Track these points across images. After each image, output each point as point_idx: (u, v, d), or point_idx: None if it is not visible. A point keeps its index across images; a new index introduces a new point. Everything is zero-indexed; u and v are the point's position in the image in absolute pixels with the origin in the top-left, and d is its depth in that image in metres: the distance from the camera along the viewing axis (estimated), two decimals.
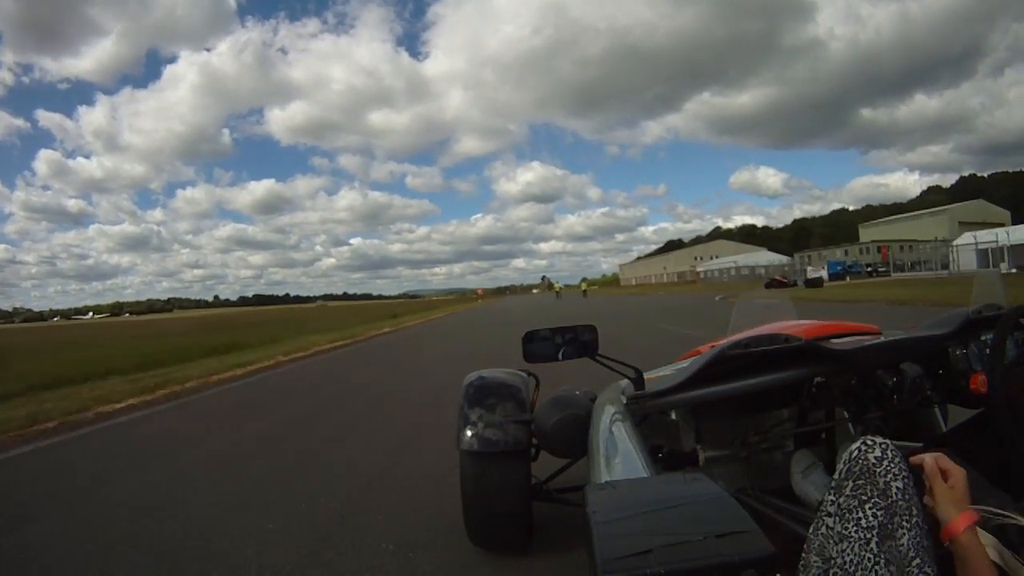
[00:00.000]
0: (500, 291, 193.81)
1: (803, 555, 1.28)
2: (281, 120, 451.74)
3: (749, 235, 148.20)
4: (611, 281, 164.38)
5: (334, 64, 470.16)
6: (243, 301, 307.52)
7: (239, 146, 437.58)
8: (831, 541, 1.23)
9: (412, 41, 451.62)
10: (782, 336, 1.84)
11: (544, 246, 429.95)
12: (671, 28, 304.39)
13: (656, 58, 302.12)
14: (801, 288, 42.11)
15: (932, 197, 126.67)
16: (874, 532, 1.18)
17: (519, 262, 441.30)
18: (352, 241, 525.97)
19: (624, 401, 2.02)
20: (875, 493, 1.21)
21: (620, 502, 1.16)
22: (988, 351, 1.77)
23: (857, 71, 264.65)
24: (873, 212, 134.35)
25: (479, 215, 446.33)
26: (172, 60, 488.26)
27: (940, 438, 2.06)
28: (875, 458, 1.25)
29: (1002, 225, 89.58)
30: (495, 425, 2.64)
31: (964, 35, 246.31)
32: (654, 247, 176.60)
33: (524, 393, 2.81)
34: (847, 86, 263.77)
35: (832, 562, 1.21)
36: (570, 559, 2.74)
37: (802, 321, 2.77)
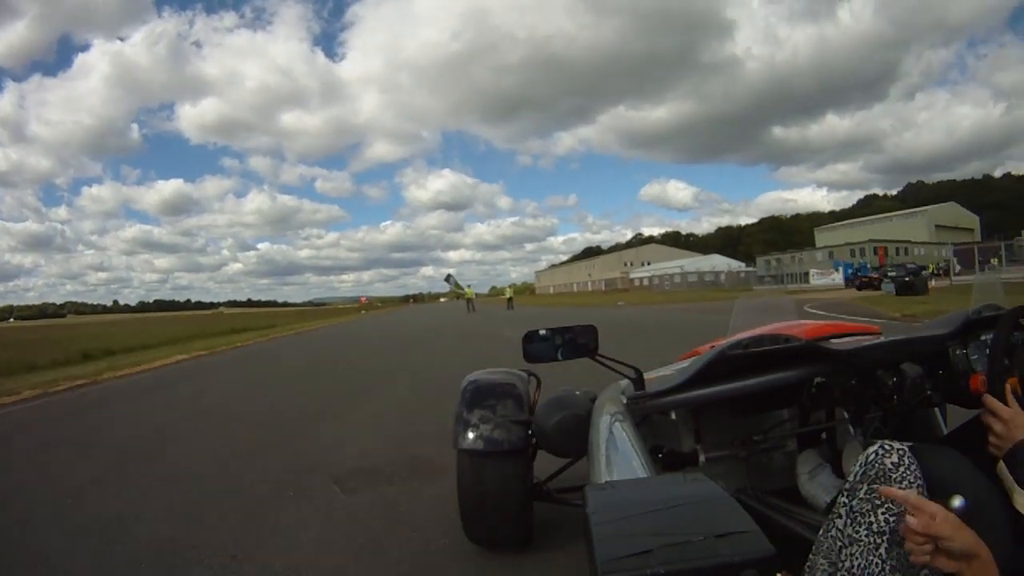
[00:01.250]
0: (404, 299, 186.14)
1: (810, 556, 1.28)
2: (192, 117, 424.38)
3: (673, 242, 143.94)
4: (524, 290, 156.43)
5: (249, 61, 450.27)
6: (143, 307, 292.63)
7: (148, 142, 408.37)
8: (839, 543, 1.22)
9: (329, 41, 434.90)
10: (782, 336, 1.85)
11: (453, 254, 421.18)
12: (591, 40, 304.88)
13: (573, 70, 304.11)
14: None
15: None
16: (884, 538, 1.17)
17: (428, 270, 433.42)
18: (260, 246, 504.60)
19: (624, 401, 2.02)
20: (889, 499, 1.20)
21: (620, 502, 1.16)
22: (988, 351, 1.74)
23: (772, 90, 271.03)
24: (799, 222, 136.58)
25: (389, 222, 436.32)
26: (85, 48, 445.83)
27: (940, 439, 2.06)
28: (892, 463, 1.24)
29: (971, 230, 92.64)
30: (492, 425, 2.63)
31: (879, 60, 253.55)
32: (564, 257, 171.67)
33: (523, 393, 2.79)
34: (761, 104, 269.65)
35: (838, 566, 1.20)
36: (570, 559, 2.73)
37: (802, 321, 2.77)
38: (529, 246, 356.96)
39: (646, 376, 2.20)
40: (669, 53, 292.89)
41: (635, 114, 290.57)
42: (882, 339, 2.01)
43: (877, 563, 1.16)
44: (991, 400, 1.48)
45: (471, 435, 2.63)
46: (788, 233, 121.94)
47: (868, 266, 58.21)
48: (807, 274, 62.44)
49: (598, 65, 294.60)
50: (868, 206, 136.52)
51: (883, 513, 1.19)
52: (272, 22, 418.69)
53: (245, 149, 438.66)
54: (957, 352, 1.81)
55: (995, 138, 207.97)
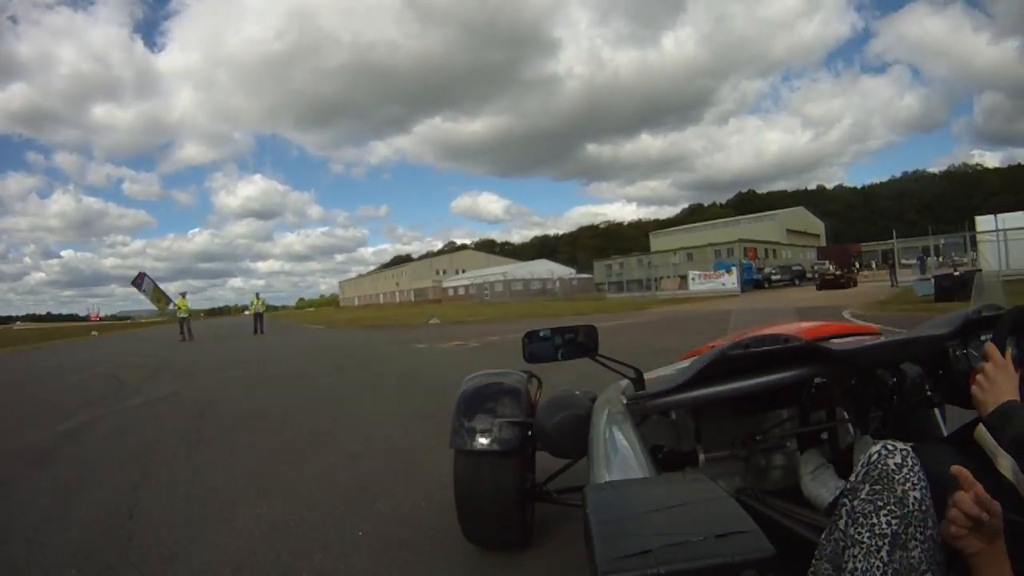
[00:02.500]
0: (214, 312, 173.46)
1: (814, 561, 1.26)
2: None
3: (488, 249, 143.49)
4: (329, 302, 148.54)
5: (65, 44, 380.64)
6: None
7: None
8: (842, 544, 1.21)
9: (151, 29, 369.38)
10: (782, 336, 1.85)
11: (262, 265, 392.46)
12: (415, 50, 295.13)
13: (394, 78, 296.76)
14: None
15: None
16: (886, 541, 1.15)
17: (236, 281, 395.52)
18: (63, 253, 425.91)
19: (624, 401, 2.02)
20: (891, 500, 1.18)
21: (620, 502, 1.16)
22: None
23: (589, 109, 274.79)
24: (625, 229, 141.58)
25: (197, 229, 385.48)
26: None
27: (940, 439, 2.05)
28: (895, 464, 1.22)
29: (817, 236, 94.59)
30: (488, 426, 2.64)
31: (697, 87, 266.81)
32: (373, 268, 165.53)
33: (521, 394, 2.80)
34: (578, 122, 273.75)
35: (841, 568, 1.18)
36: (571, 559, 2.72)
37: (802, 322, 2.78)
38: (339, 257, 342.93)
39: (646, 376, 2.20)
40: (491, 67, 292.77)
41: (452, 126, 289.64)
42: (882, 339, 2.02)
43: (879, 566, 1.14)
44: (991, 346, 1.53)
45: (467, 436, 2.65)
46: (614, 239, 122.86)
47: (754, 267, 54.15)
48: (659, 280, 51.33)
49: (419, 75, 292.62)
50: (694, 214, 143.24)
51: (885, 515, 1.17)
52: (95, 2, 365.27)
53: (52, 143, 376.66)
54: (957, 352, 1.81)
55: (801, 161, 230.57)
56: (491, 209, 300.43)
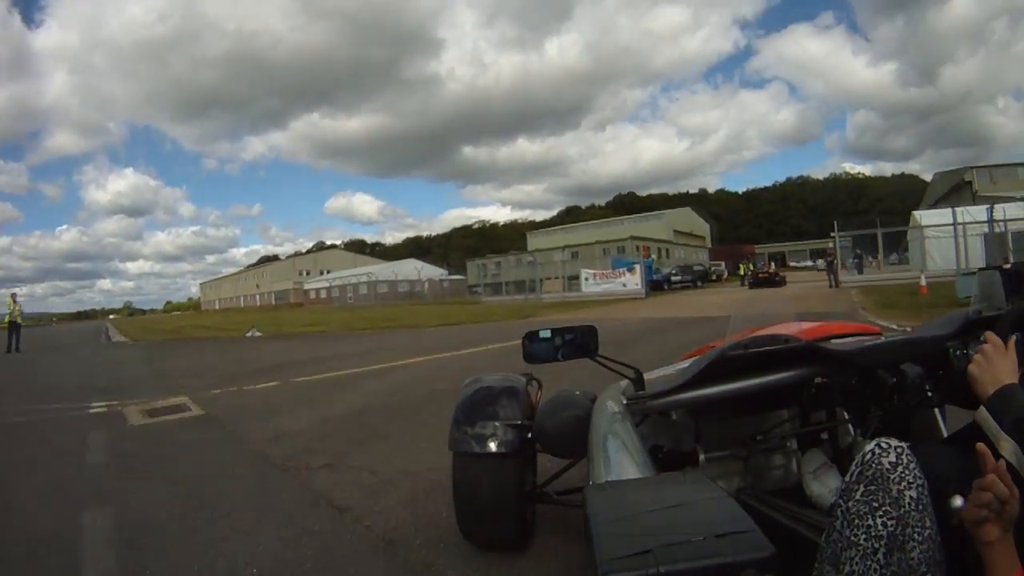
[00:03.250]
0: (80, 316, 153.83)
1: (816, 564, 1.25)
2: None
3: (358, 250, 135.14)
4: (195, 305, 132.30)
5: None
6: None
7: None
8: (840, 545, 1.19)
9: (30, 3, 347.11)
10: (782, 337, 1.85)
11: (132, 266, 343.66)
12: (298, 42, 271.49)
13: (274, 71, 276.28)
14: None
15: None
16: (882, 542, 1.14)
17: (106, 283, 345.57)
18: None
19: (624, 401, 2.02)
20: (887, 501, 1.16)
21: (620, 502, 1.16)
22: None
23: (468, 111, 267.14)
24: (501, 230, 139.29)
25: (65, 226, 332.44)
26: None
27: (940, 440, 2.08)
28: (889, 463, 1.20)
29: (703, 238, 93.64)
30: (487, 427, 2.64)
31: (576, 93, 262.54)
32: (236, 270, 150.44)
33: (521, 395, 2.80)
34: (455, 124, 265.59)
35: (840, 570, 1.17)
36: (571, 560, 2.73)
37: (802, 322, 2.79)
38: (210, 258, 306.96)
39: (646, 376, 2.21)
40: (373, 65, 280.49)
41: (329, 123, 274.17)
42: (882, 339, 2.04)
43: (876, 569, 1.13)
44: (992, 334, 1.54)
45: (466, 437, 2.65)
46: (489, 240, 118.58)
47: (654, 266, 47.45)
48: (542, 281, 43.06)
49: (300, 69, 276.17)
50: (571, 215, 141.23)
51: (881, 517, 1.15)
52: None
53: None
54: (957, 352, 1.81)
55: (675, 170, 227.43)
56: (365, 210, 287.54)
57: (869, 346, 1.90)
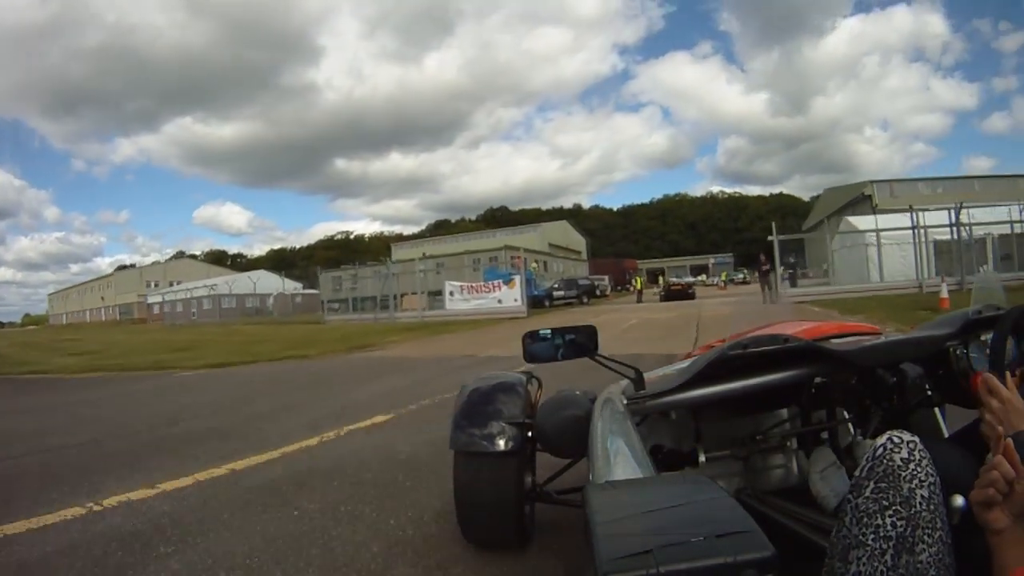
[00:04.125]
0: None
1: (826, 560, 1.22)
2: None
3: (216, 260, 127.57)
4: (44, 320, 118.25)
5: None
6: None
7: None
8: (848, 542, 1.15)
9: None
10: (782, 336, 1.84)
11: None
12: (177, 40, 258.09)
13: (150, 69, 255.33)
14: None
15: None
16: (891, 543, 1.10)
17: None
18: None
19: (624, 401, 2.00)
20: (897, 500, 1.12)
21: (620, 502, 1.16)
22: (988, 351, 1.77)
23: (343, 122, 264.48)
24: (366, 244, 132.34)
25: None
26: None
27: (942, 440, 2.08)
28: (901, 460, 1.15)
29: (580, 253, 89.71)
30: (487, 426, 2.65)
31: (452, 110, 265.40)
32: (85, 280, 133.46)
33: (521, 394, 2.81)
34: (329, 135, 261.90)
35: (847, 568, 1.14)
36: (570, 560, 2.74)
37: (802, 322, 2.80)
38: (75, 267, 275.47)
39: (646, 376, 2.20)
40: (251, 69, 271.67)
41: (202, 128, 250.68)
42: (882, 339, 2.04)
43: (883, 571, 1.10)
44: (991, 378, 1.43)
45: (466, 436, 2.66)
46: (355, 253, 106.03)
47: (534, 278, 40.66)
48: (400, 297, 35.31)
49: (176, 69, 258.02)
50: (441, 228, 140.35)
51: (890, 516, 1.12)
52: None
53: None
54: (957, 352, 1.84)
55: (547, 189, 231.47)
56: (234, 221, 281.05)
57: (869, 346, 1.91)
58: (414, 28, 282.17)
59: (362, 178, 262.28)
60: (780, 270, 25.70)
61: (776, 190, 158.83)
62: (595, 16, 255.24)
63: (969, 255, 23.38)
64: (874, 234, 25.69)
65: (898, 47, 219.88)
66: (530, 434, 2.67)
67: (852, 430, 2.00)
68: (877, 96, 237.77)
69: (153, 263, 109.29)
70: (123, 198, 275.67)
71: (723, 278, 62.34)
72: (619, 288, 60.96)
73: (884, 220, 26.88)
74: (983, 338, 1.88)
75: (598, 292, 47.89)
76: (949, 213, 23.51)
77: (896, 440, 1.18)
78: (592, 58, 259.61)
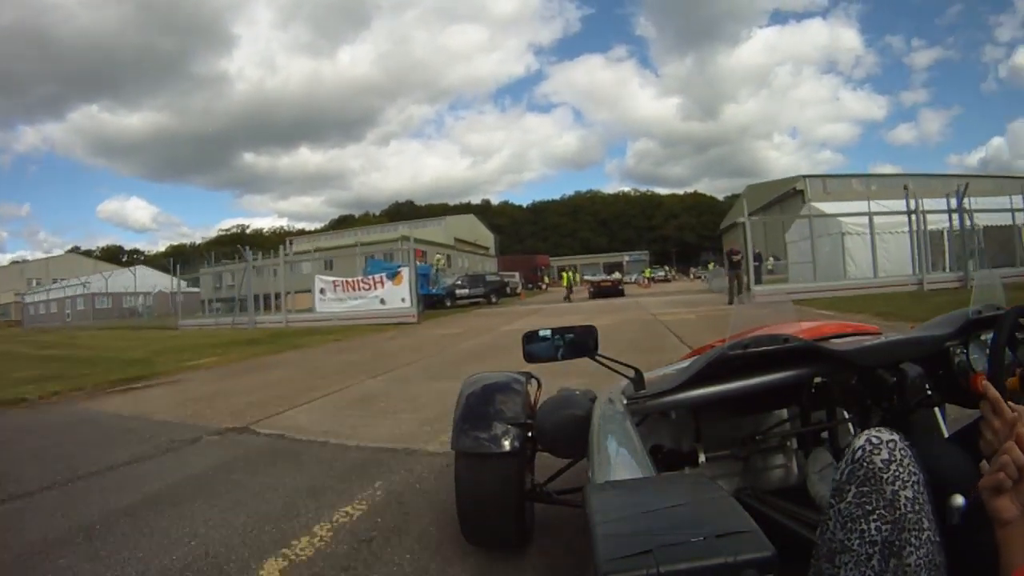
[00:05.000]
0: None
1: (812, 561, 1.21)
2: None
3: (112, 258, 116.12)
4: None
5: None
6: None
7: None
8: (834, 546, 1.14)
9: None
10: (782, 336, 1.85)
11: None
12: (88, 22, 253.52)
13: (60, 51, 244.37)
14: None
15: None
16: (876, 548, 1.08)
17: None
18: None
19: (624, 401, 2.00)
20: (881, 504, 1.10)
21: (620, 502, 1.16)
22: (988, 351, 1.78)
23: (253, 115, 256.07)
24: (267, 239, 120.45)
25: None
26: None
27: (942, 440, 2.04)
28: (882, 461, 1.12)
29: (488, 249, 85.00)
30: (489, 427, 2.65)
31: (364, 105, 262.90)
32: None
33: (521, 395, 2.81)
34: (239, 128, 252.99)
35: (835, 572, 1.13)
36: (570, 560, 2.76)
37: (803, 322, 2.81)
38: None
39: (646, 376, 2.20)
40: (161, 56, 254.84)
41: (108, 117, 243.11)
42: (882, 339, 2.05)
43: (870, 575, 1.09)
44: (996, 396, 1.30)
45: (468, 437, 2.66)
46: (252, 248, 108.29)
47: (433, 274, 35.42)
48: (295, 295, 28.52)
49: (86, 52, 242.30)
50: (343, 223, 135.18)
51: (875, 521, 1.09)
52: None
53: None
54: (957, 352, 1.85)
55: (456, 187, 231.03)
56: (139, 216, 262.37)
57: (869, 346, 1.92)
58: (329, 20, 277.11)
59: (270, 174, 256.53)
60: (748, 261, 21.50)
61: (689, 190, 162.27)
62: (512, 15, 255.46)
63: (972, 246, 20.64)
64: (850, 221, 22.37)
65: (811, 58, 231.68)
66: (530, 434, 2.67)
67: (852, 430, 2.01)
68: (788, 104, 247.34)
69: (36, 259, 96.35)
70: (25, 190, 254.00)
71: (646, 274, 61.59)
72: (530, 286, 59.18)
73: (847, 207, 24.02)
74: (983, 338, 1.89)
75: (509, 290, 43.96)
76: (948, 199, 20.95)
77: (875, 441, 1.16)
78: (507, 58, 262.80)
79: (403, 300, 22.38)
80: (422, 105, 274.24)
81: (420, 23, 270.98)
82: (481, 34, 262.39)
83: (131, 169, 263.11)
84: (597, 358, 2.32)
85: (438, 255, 44.22)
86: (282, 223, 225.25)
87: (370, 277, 23.74)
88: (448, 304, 33.29)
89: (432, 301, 31.10)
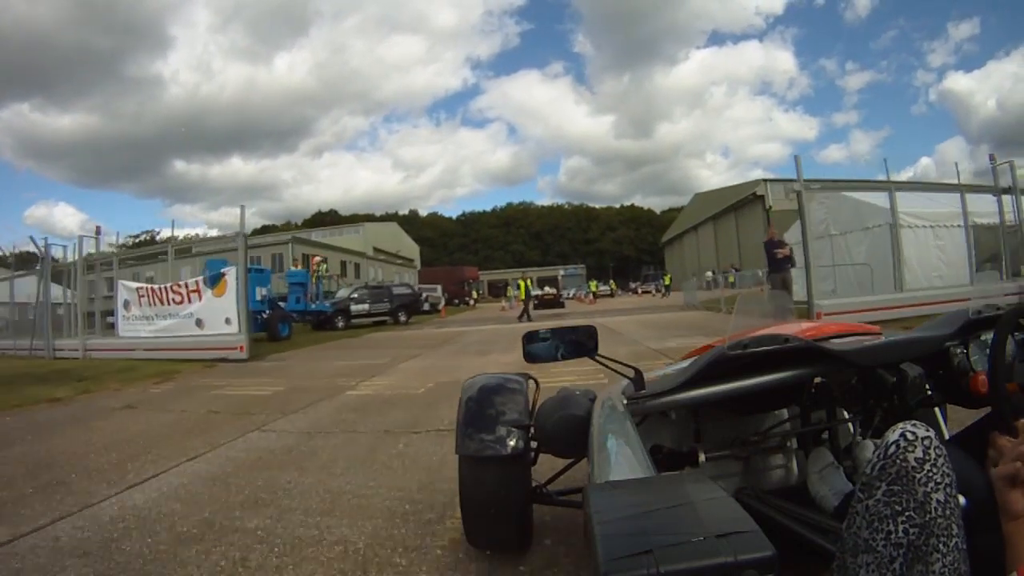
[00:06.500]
0: None
1: (837, 555, 1.16)
2: None
3: (24, 263, 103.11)
4: None
5: None
6: None
7: None
8: (856, 544, 1.09)
9: None
10: (782, 336, 1.84)
11: None
12: (24, 16, 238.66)
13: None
14: None
15: None
16: (901, 551, 1.03)
17: None
18: None
19: (624, 401, 2.00)
20: (911, 505, 1.04)
21: (620, 502, 1.16)
22: (988, 351, 1.77)
23: (186, 121, 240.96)
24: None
25: None
26: None
27: (943, 441, 2.18)
28: (916, 460, 1.07)
29: (412, 261, 78.62)
30: (492, 430, 2.65)
31: (298, 115, 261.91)
32: None
33: (523, 396, 2.81)
34: (171, 133, 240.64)
35: (857, 571, 1.08)
36: (570, 560, 2.78)
37: (802, 322, 2.80)
38: None
39: (646, 376, 2.18)
40: (96, 55, 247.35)
41: (39, 117, 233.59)
42: (882, 339, 2.04)
43: None
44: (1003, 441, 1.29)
45: (472, 441, 2.66)
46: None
47: (317, 278, 28.52)
48: (84, 315, 17.78)
49: (19, 47, 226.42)
50: (266, 231, 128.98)
51: (903, 523, 1.04)
52: None
53: None
54: (957, 352, 1.85)
55: (388, 200, 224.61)
56: (67, 223, 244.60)
57: (869, 346, 1.92)
58: (268, 25, 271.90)
59: (201, 183, 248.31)
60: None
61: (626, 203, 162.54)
62: (452, 28, 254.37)
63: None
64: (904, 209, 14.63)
65: (746, 80, 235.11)
66: (531, 435, 2.67)
67: (852, 430, 2.00)
68: (721, 124, 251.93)
69: None
70: None
71: (592, 288, 56.71)
72: (456, 302, 54.16)
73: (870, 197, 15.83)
74: (983, 338, 1.90)
75: (427, 306, 37.63)
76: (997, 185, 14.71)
77: (910, 436, 1.10)
78: (444, 70, 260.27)
79: (227, 321, 14.79)
80: (356, 117, 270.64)
81: (359, 32, 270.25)
82: (419, 45, 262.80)
83: (61, 173, 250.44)
84: (597, 358, 2.32)
85: (317, 256, 33.68)
86: (212, 235, 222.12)
87: (182, 284, 15.84)
88: (340, 324, 25.74)
89: (320, 321, 25.31)
